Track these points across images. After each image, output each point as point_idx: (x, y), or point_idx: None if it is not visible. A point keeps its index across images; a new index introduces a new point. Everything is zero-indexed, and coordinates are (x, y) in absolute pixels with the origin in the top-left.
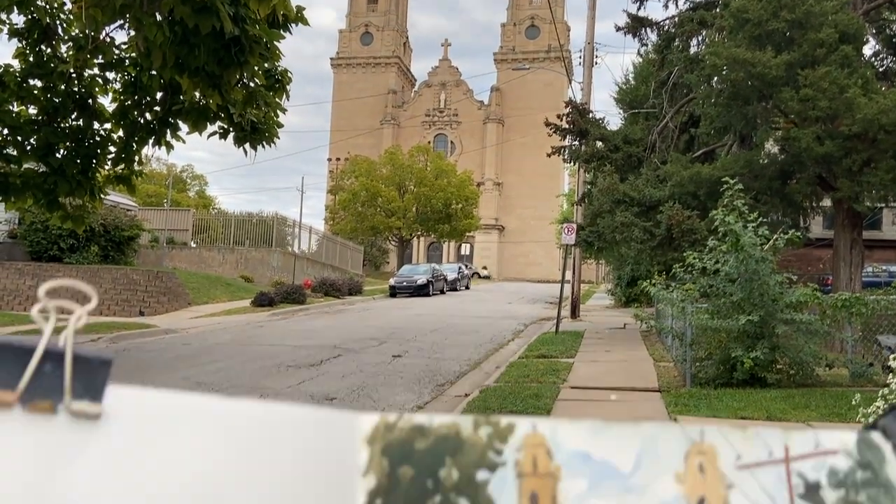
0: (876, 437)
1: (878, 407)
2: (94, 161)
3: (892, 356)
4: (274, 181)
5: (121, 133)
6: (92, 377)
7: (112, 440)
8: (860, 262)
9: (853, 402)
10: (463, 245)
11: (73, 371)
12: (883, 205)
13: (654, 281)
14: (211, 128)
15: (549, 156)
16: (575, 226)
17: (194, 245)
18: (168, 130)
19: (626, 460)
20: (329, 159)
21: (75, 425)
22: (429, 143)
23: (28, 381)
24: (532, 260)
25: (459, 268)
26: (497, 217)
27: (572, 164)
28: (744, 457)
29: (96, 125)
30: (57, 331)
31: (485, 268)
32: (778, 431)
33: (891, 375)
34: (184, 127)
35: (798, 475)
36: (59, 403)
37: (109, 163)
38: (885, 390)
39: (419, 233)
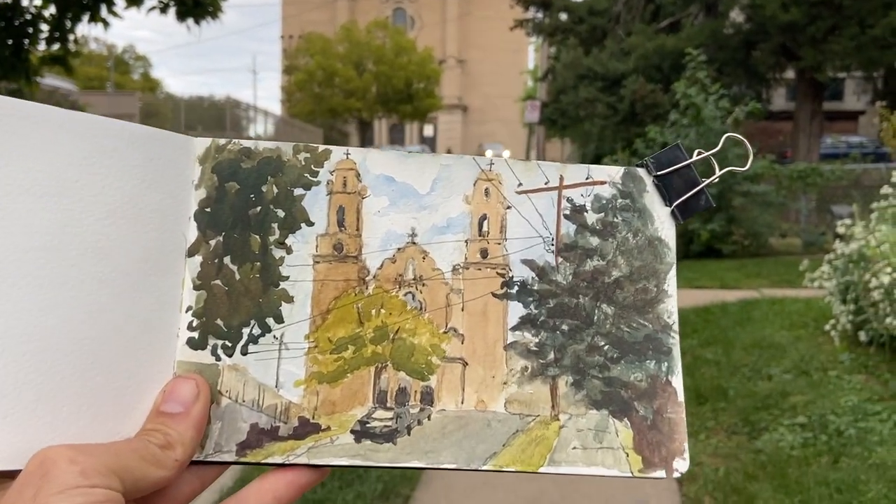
0: (640, 171)
1: (824, 271)
2: (27, 41)
3: (840, 223)
4: (224, 62)
5: (52, 10)
6: None
7: None
8: (819, 132)
9: (800, 269)
10: (426, 126)
11: None
12: (844, 74)
13: (615, 157)
14: (149, 2)
15: (511, 29)
16: (539, 103)
17: None
18: (103, 5)
19: (424, 184)
20: (282, 37)
21: None
22: (387, 17)
23: None
24: (497, 140)
25: (422, 150)
26: (460, 96)
27: (536, 37)
28: (525, 184)
29: (25, 2)
30: None
31: (449, 151)
32: (557, 165)
33: (837, 241)
34: (120, 2)
35: (567, 199)
36: None
37: (43, 43)
38: (831, 255)
39: (380, 114)
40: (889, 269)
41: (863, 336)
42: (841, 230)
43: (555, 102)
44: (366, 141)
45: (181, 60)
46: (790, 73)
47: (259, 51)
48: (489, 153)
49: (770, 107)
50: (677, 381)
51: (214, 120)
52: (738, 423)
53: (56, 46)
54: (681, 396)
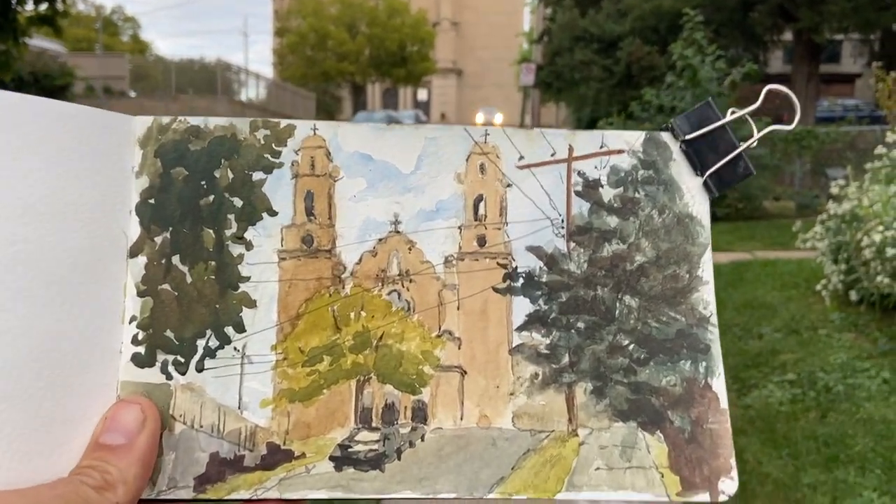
0: (665, 136)
1: (816, 232)
2: (15, 1)
3: (833, 183)
4: (214, 24)
5: None
6: None
7: None
8: (815, 95)
9: (794, 230)
10: (420, 90)
11: None
12: (842, 36)
13: (610, 120)
14: None
15: None
16: (534, 66)
17: (134, 94)
18: None
19: (407, 161)
20: None
21: None
22: None
23: None
24: (492, 104)
25: (416, 115)
26: (455, 60)
27: None
28: (527, 157)
29: None
30: None
31: (443, 115)
32: (564, 132)
33: (830, 201)
34: None
35: (578, 173)
36: None
37: (31, 2)
38: (824, 215)
39: (373, 78)
40: (881, 228)
41: (853, 295)
42: (834, 191)
43: (550, 65)
44: (359, 105)
45: (171, 22)
46: (788, 36)
47: (250, 13)
48: (480, 117)
49: (767, 69)
50: (719, 385)
51: (205, 83)
52: (728, 380)
53: (44, 6)
54: (724, 402)
